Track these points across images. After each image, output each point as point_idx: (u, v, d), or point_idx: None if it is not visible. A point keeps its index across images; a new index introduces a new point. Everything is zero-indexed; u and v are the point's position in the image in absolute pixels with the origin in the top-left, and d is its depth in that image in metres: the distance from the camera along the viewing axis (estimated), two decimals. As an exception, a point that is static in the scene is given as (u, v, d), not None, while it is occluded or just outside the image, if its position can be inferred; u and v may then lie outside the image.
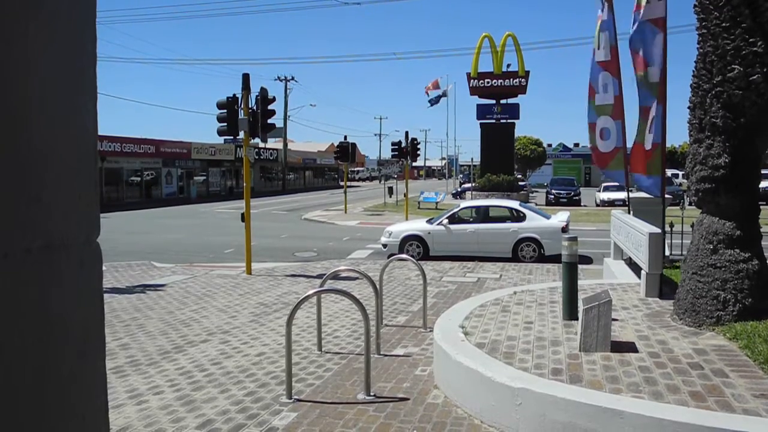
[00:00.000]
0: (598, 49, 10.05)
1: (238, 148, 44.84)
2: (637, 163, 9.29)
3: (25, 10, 0.79)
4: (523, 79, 35.43)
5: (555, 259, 12.50)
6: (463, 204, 16.33)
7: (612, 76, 9.83)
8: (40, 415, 0.84)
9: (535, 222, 14.13)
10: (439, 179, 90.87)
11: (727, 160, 5.77)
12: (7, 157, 0.78)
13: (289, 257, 15.46)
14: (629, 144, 9.60)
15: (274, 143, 55.46)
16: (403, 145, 27.33)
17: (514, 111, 36.43)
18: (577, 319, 5.76)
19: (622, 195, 22.01)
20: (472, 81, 35.91)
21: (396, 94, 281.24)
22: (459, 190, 43.20)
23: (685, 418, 3.72)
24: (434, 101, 41.97)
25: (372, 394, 5.25)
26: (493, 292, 8.28)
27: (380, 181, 44.01)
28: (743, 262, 5.69)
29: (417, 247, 14.39)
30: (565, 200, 34.83)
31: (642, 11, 8.43)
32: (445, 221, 14.52)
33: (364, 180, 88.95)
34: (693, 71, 6.09)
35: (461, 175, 62.29)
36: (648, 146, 8.81)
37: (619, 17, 9.61)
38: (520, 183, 39.44)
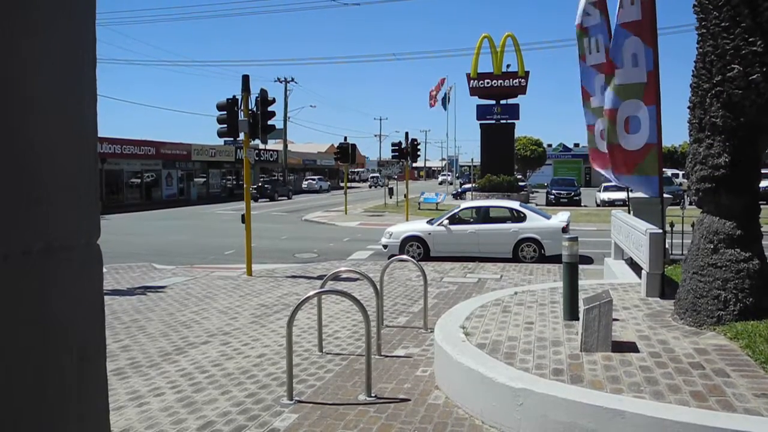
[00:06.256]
0: (590, 53, 10.05)
1: (239, 150, 44.87)
2: (620, 164, 9.22)
3: (24, 12, 0.79)
4: (522, 80, 35.45)
5: (555, 259, 12.50)
6: (464, 205, 16.30)
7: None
8: (41, 417, 0.84)
9: (535, 222, 14.12)
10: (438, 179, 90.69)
11: (727, 160, 5.76)
12: (7, 159, 0.78)
13: (289, 258, 15.46)
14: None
15: (274, 144, 55.46)
16: (403, 145, 27.33)
17: (514, 111, 36.44)
18: (578, 319, 5.76)
19: (622, 195, 21.99)
20: (471, 81, 35.94)
21: (396, 95, 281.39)
22: (459, 190, 43.20)
23: (687, 418, 3.72)
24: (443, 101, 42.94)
25: (373, 395, 5.25)
26: (494, 292, 8.28)
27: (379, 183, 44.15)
28: (744, 261, 5.68)
29: (417, 248, 14.38)
30: (565, 200, 34.80)
31: (617, 16, 8.47)
32: (446, 222, 14.51)
33: (364, 181, 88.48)
34: (693, 71, 6.08)
35: (446, 172, 62.32)
36: (632, 147, 8.75)
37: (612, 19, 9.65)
38: (521, 183, 39.39)
